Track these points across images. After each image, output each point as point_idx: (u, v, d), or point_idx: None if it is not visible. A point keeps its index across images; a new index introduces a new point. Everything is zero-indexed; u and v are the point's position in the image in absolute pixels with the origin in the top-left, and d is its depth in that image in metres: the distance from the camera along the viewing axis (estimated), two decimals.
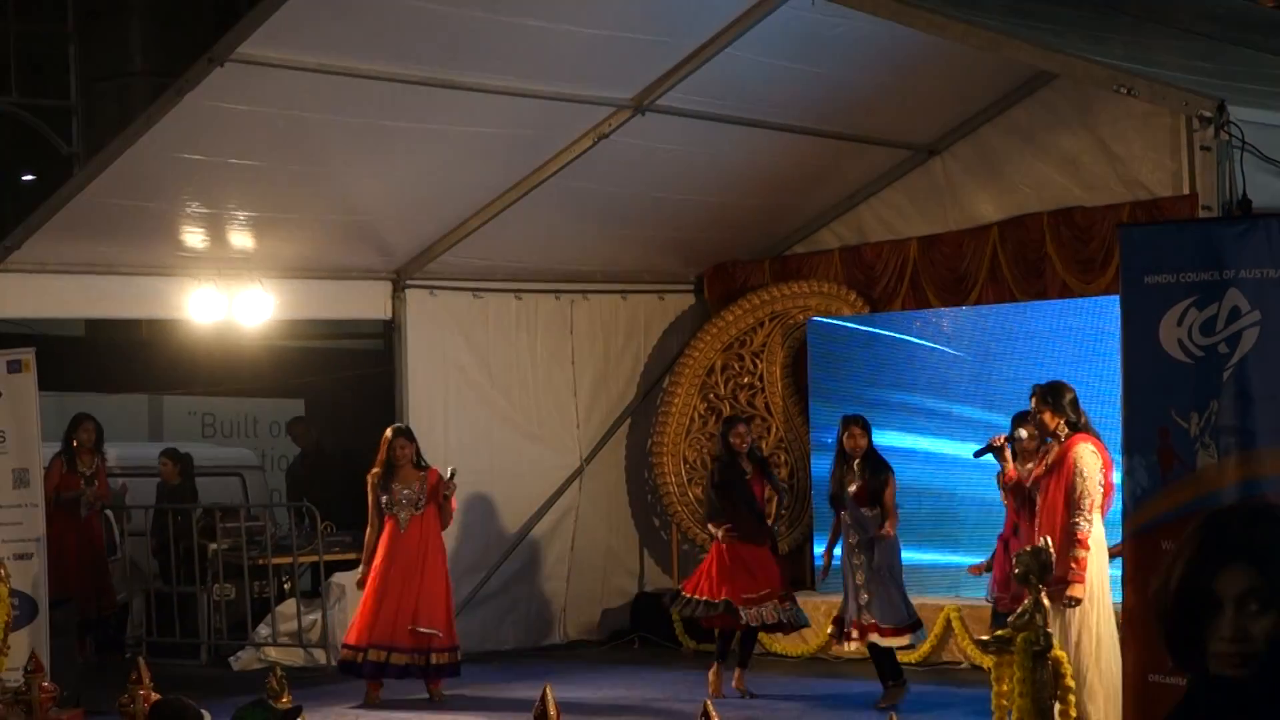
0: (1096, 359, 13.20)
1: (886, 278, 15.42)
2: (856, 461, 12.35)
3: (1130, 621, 8.32)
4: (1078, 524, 9.78)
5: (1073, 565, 9.61)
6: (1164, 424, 7.95)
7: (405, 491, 13.13)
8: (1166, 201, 13.26)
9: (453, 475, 13.19)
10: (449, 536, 15.23)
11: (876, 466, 12.35)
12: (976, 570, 11.82)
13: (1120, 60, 9.83)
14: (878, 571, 12.16)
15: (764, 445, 15.73)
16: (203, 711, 7.80)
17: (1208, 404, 7.82)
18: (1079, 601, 9.63)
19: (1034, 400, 10.37)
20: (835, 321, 15.47)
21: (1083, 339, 13.56)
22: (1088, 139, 14.04)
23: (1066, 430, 10.11)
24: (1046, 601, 7.77)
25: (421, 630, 12.98)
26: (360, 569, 13.37)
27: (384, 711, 12.73)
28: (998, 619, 10.48)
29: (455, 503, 13.46)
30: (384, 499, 13.14)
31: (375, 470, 13.25)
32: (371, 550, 13.22)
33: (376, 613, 13.00)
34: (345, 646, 13.23)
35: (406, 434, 13.40)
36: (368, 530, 13.31)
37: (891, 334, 15.01)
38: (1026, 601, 7.73)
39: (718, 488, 13.09)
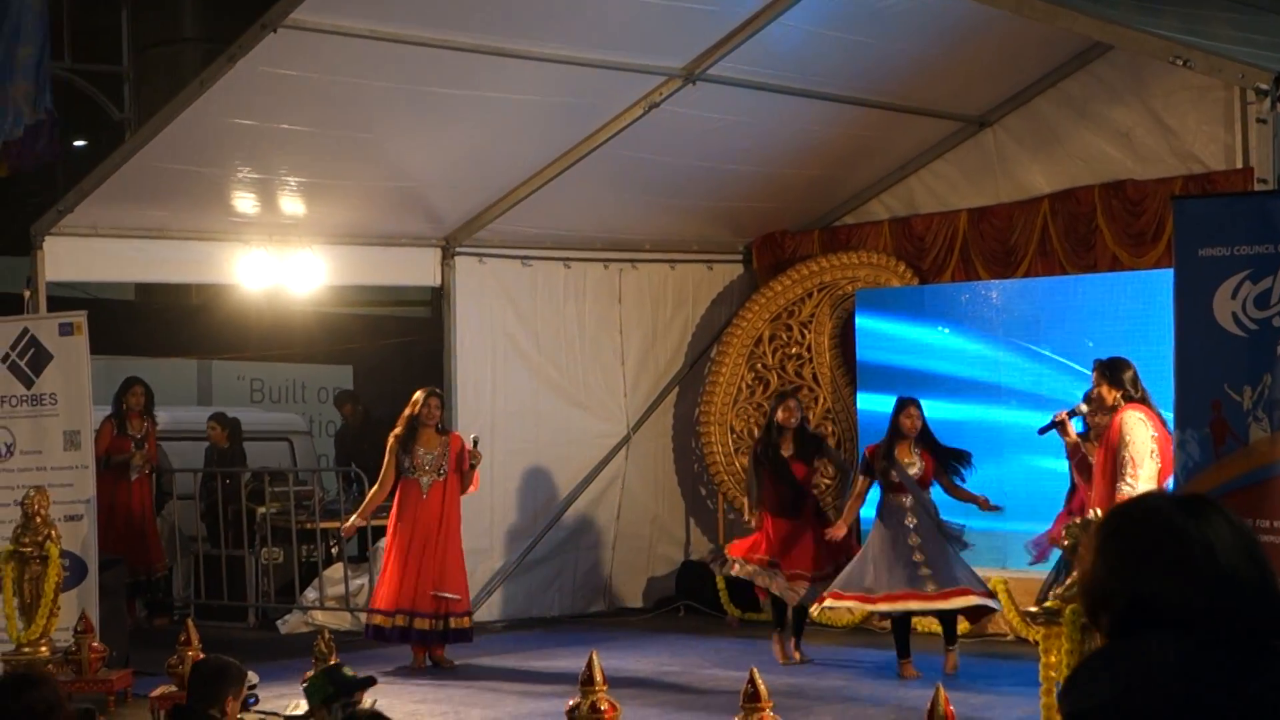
0: (1146, 333, 13.12)
1: (936, 249, 15.38)
2: (913, 442, 12.32)
3: None
4: (1119, 489, 9.76)
5: None
6: (1217, 397, 7.92)
7: (428, 456, 13.16)
8: (1219, 175, 13.20)
9: (476, 444, 13.21)
10: (496, 504, 15.34)
11: (937, 450, 12.33)
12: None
13: (1175, 32, 9.78)
14: (943, 541, 12.16)
15: (811, 416, 15.74)
16: (246, 670, 7.87)
17: (1261, 377, 7.79)
18: None
19: (1094, 374, 10.37)
20: (883, 292, 15.43)
21: (1133, 313, 13.50)
22: (1140, 111, 13.97)
23: (1123, 405, 10.10)
24: None
25: (443, 595, 13.04)
26: (353, 518, 13.40)
27: (436, 677, 12.78)
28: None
29: (478, 475, 13.46)
30: (405, 461, 13.17)
31: (397, 430, 13.27)
32: (372, 506, 13.28)
33: (401, 578, 13.06)
34: (374, 612, 13.28)
35: (439, 398, 13.42)
36: (375, 487, 13.36)
37: (940, 305, 14.95)
38: (1076, 572, 7.71)
39: (754, 461, 13.17)
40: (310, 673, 9.52)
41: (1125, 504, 3.07)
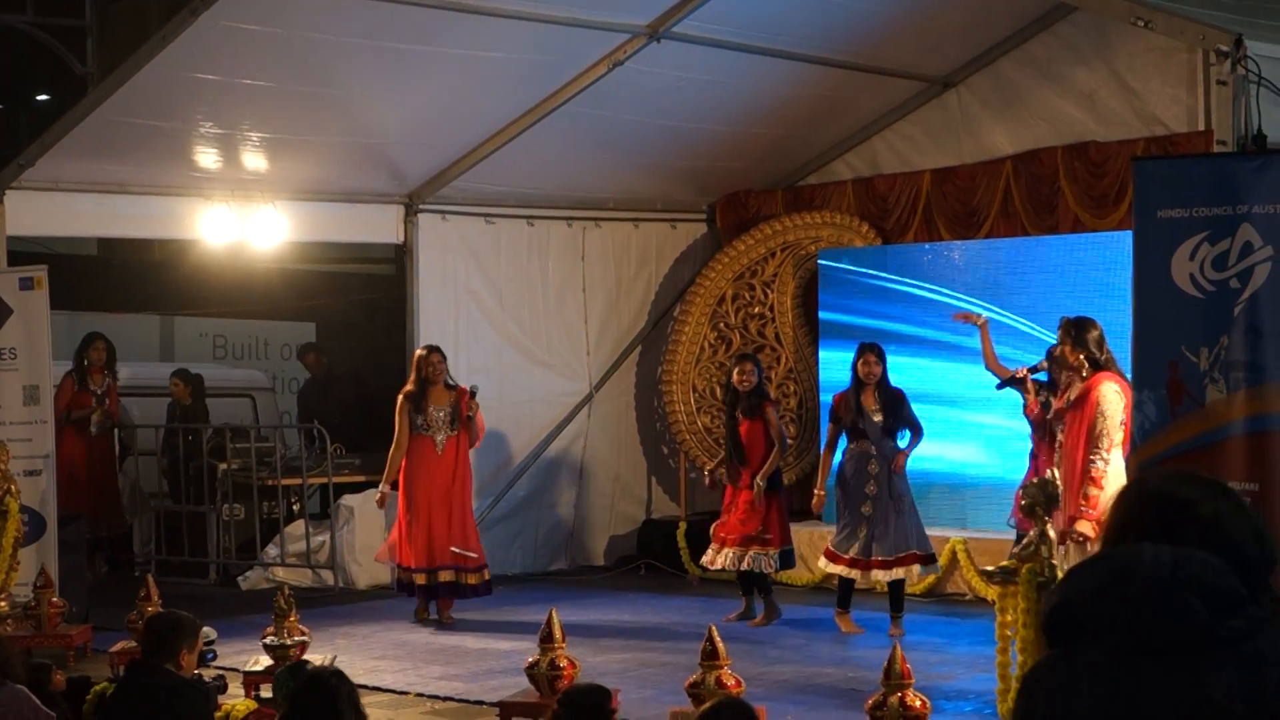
0: (1108, 294, 13.19)
1: (899, 210, 15.41)
2: (872, 389, 12.35)
3: None
4: (1094, 463, 9.79)
5: (1083, 503, 9.62)
6: (1174, 358, 7.96)
7: (440, 412, 13.15)
8: (1182, 137, 13.23)
9: (474, 393, 13.21)
10: None
11: (892, 396, 12.37)
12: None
13: None
14: (897, 501, 12.22)
15: (773, 375, 15.77)
16: (201, 624, 7.88)
17: (1218, 339, 7.83)
18: (1087, 538, 9.64)
19: (1059, 333, 10.37)
20: (847, 252, 15.45)
21: (1094, 274, 13.55)
22: (1104, 73, 13.99)
23: (1088, 366, 10.09)
24: (1052, 533, 7.78)
25: (458, 551, 13.08)
26: (382, 486, 13.32)
27: (397, 633, 12.80)
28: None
29: (482, 419, 13.44)
30: (419, 420, 13.14)
31: (408, 389, 13.24)
32: (395, 469, 13.23)
33: (424, 533, 13.06)
34: (402, 568, 13.27)
35: (440, 353, 13.37)
36: (393, 449, 13.29)
37: (902, 265, 14.98)
38: (1032, 532, 7.75)
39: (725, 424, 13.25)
40: (270, 629, 9.55)
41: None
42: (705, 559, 13.20)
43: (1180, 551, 2.89)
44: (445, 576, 13.14)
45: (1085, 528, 9.63)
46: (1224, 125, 8.33)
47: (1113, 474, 9.88)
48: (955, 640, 11.98)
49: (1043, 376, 11.14)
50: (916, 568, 12.36)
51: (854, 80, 14.67)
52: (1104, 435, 9.84)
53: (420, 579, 13.13)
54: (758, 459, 12.83)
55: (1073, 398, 10.16)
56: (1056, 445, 10.34)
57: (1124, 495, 3.14)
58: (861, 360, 12.39)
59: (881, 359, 12.40)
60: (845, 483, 12.42)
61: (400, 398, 13.25)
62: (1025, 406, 10.98)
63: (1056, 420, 10.39)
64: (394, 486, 13.23)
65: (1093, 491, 9.68)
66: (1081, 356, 10.13)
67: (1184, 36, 9.53)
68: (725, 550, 12.87)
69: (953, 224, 15.00)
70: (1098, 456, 9.81)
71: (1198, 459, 7.85)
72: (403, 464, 13.18)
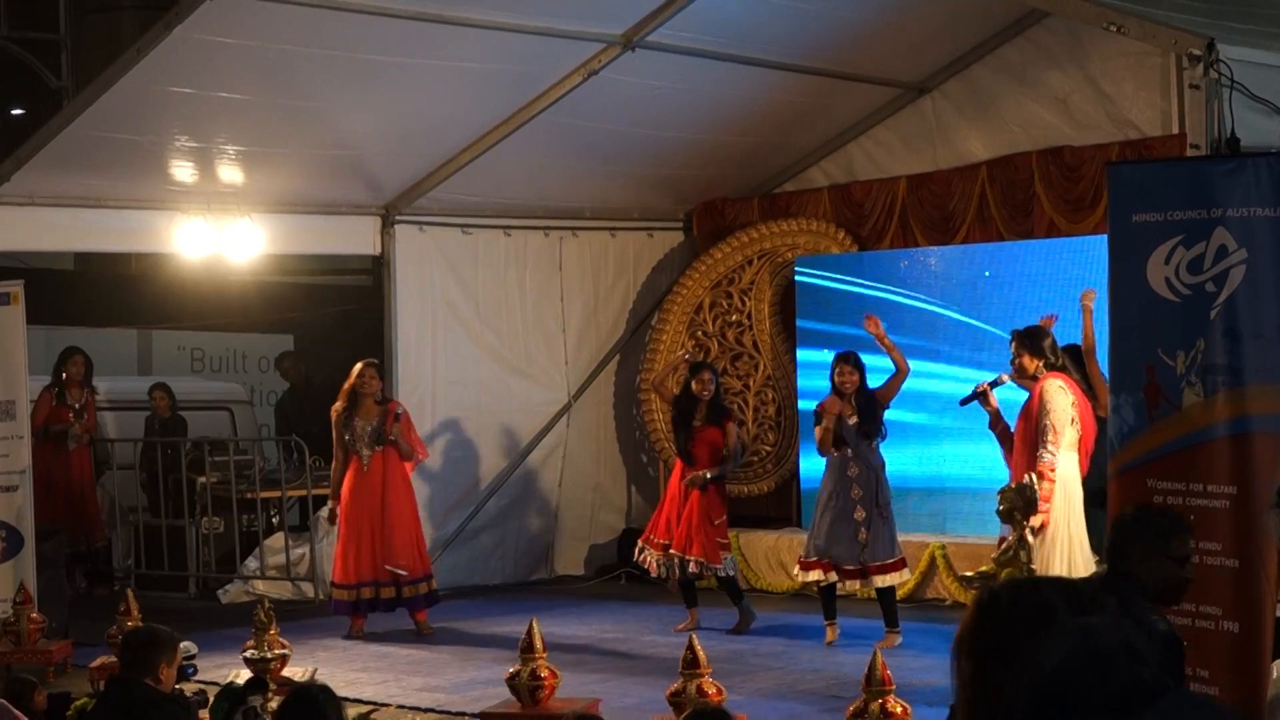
0: None
1: (875, 216, 15.43)
2: (852, 398, 12.36)
3: None
4: (1041, 456, 9.85)
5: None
6: (1150, 362, 7.96)
7: (367, 428, 13.14)
8: (1156, 141, 13.27)
9: (398, 415, 13.16)
10: (438, 473, 15.33)
11: (870, 401, 12.38)
12: None
13: None
14: (882, 509, 12.22)
15: (751, 382, 15.79)
16: (180, 638, 7.87)
17: (1194, 342, 7.83)
18: (1040, 530, 9.65)
19: (1013, 345, 10.41)
20: (823, 259, 15.47)
21: (1070, 278, 13.56)
22: (1078, 78, 14.02)
23: (1045, 373, 10.17)
24: (1031, 538, 7.81)
25: (393, 569, 13.08)
26: (329, 504, 13.40)
27: (375, 644, 12.80)
28: None
29: (417, 439, 13.43)
30: (346, 435, 13.16)
31: (338, 404, 13.26)
32: (338, 485, 13.26)
33: (353, 551, 13.08)
34: (335, 586, 13.29)
35: (376, 368, 13.39)
36: (334, 464, 13.34)
37: (879, 272, 15.00)
38: (1010, 537, 7.77)
39: (672, 424, 13.30)
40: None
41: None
42: (640, 558, 13.22)
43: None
44: (386, 593, 13.14)
45: (1036, 520, 9.66)
46: (1197, 129, 8.35)
47: (1063, 473, 9.93)
48: (936, 645, 11.99)
49: (1000, 392, 11.02)
50: (905, 572, 12.37)
51: (829, 87, 14.69)
52: (1049, 429, 9.90)
53: (365, 594, 13.11)
54: (707, 461, 12.95)
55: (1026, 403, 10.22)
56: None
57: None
58: (837, 370, 12.40)
59: (858, 367, 12.41)
60: (825, 488, 12.43)
61: (333, 412, 13.29)
62: (989, 421, 10.89)
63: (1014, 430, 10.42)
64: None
65: (1044, 485, 9.72)
66: (1040, 364, 10.18)
67: (1156, 41, 9.53)
68: (655, 554, 12.96)
69: (929, 230, 15.03)
70: (1044, 449, 9.87)
71: (1175, 463, 7.87)
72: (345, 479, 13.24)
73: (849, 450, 12.32)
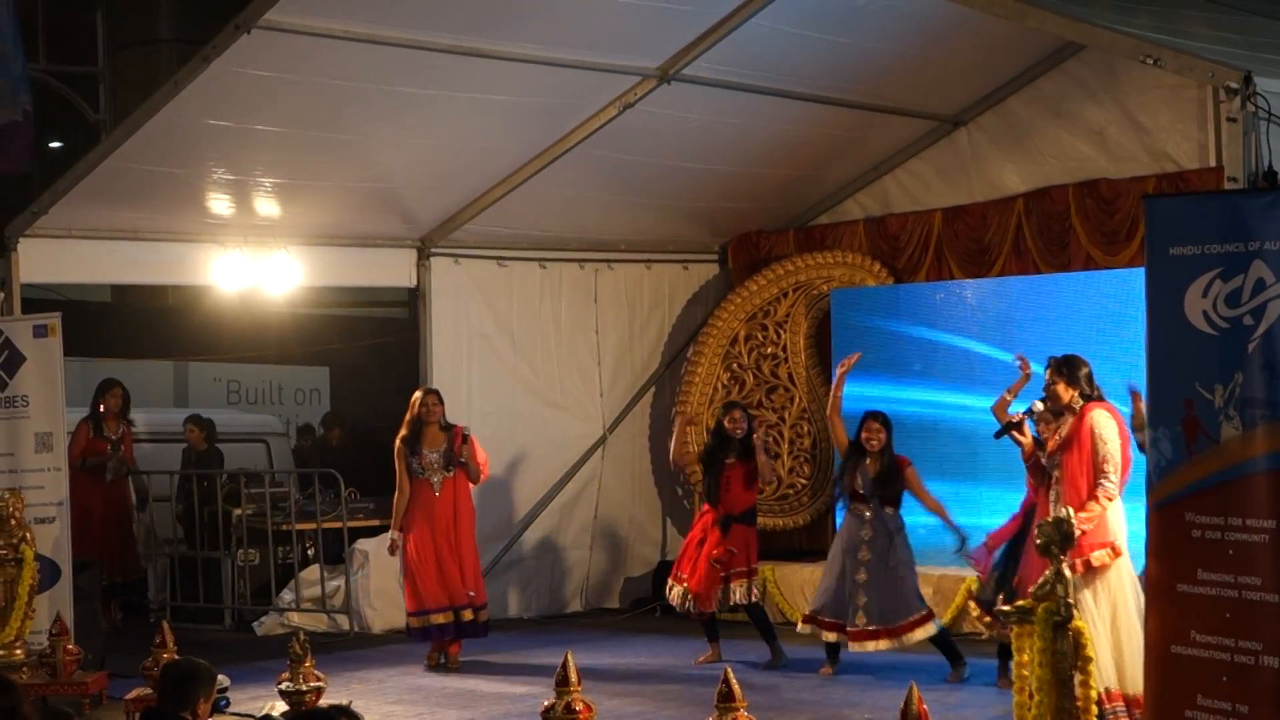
0: (1120, 332, 13.18)
1: (910, 249, 15.41)
2: (872, 458, 12.28)
3: (1153, 593, 8.31)
4: (1103, 484, 9.81)
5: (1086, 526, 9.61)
6: (1189, 395, 7.92)
7: (434, 455, 13.16)
8: (1193, 174, 13.24)
9: (466, 436, 13.20)
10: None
11: (894, 466, 12.29)
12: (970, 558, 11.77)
13: (1147, 31, 9.79)
14: (894, 569, 12.16)
15: (787, 415, 15.76)
16: (217, 673, 7.87)
17: (1232, 376, 7.79)
18: (1105, 565, 9.62)
19: (1049, 372, 10.32)
20: (859, 292, 15.44)
21: (1107, 312, 13.53)
22: (1114, 111, 14.00)
23: (1081, 403, 10.10)
24: (1068, 572, 7.76)
25: (469, 593, 13.12)
26: (392, 533, 13.36)
27: (409, 677, 12.78)
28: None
29: (482, 455, 13.42)
30: (414, 463, 13.17)
31: (403, 433, 13.26)
32: (400, 514, 13.25)
33: (432, 577, 13.08)
34: (412, 614, 13.26)
35: (437, 395, 13.41)
36: (396, 495, 13.33)
37: (915, 305, 14.97)
38: (1048, 572, 7.72)
39: (701, 463, 13.33)
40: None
41: None
42: (672, 597, 13.19)
43: None
44: (466, 615, 13.17)
45: (1101, 557, 9.63)
46: (1234, 162, 8.32)
47: (1115, 505, 9.89)
48: (972, 680, 11.94)
49: (1031, 425, 10.90)
50: (930, 625, 12.27)
51: (864, 120, 14.69)
52: (1108, 459, 9.84)
53: (439, 619, 13.12)
54: (734, 504, 12.97)
55: (1064, 433, 10.12)
56: (1054, 482, 10.25)
57: None
58: (864, 429, 12.31)
59: (886, 425, 12.32)
60: (840, 543, 12.40)
61: (397, 443, 13.27)
62: (1022, 451, 10.78)
63: (1052, 461, 10.30)
64: (403, 531, 13.25)
65: (1094, 508, 9.70)
66: (1075, 394, 10.12)
67: (1193, 73, 9.50)
68: (688, 590, 12.95)
69: (965, 262, 15.00)
70: (1105, 479, 9.82)
71: (1215, 496, 7.83)
72: (407, 507, 13.22)
73: (865, 510, 12.26)
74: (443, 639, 13.22)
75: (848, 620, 12.19)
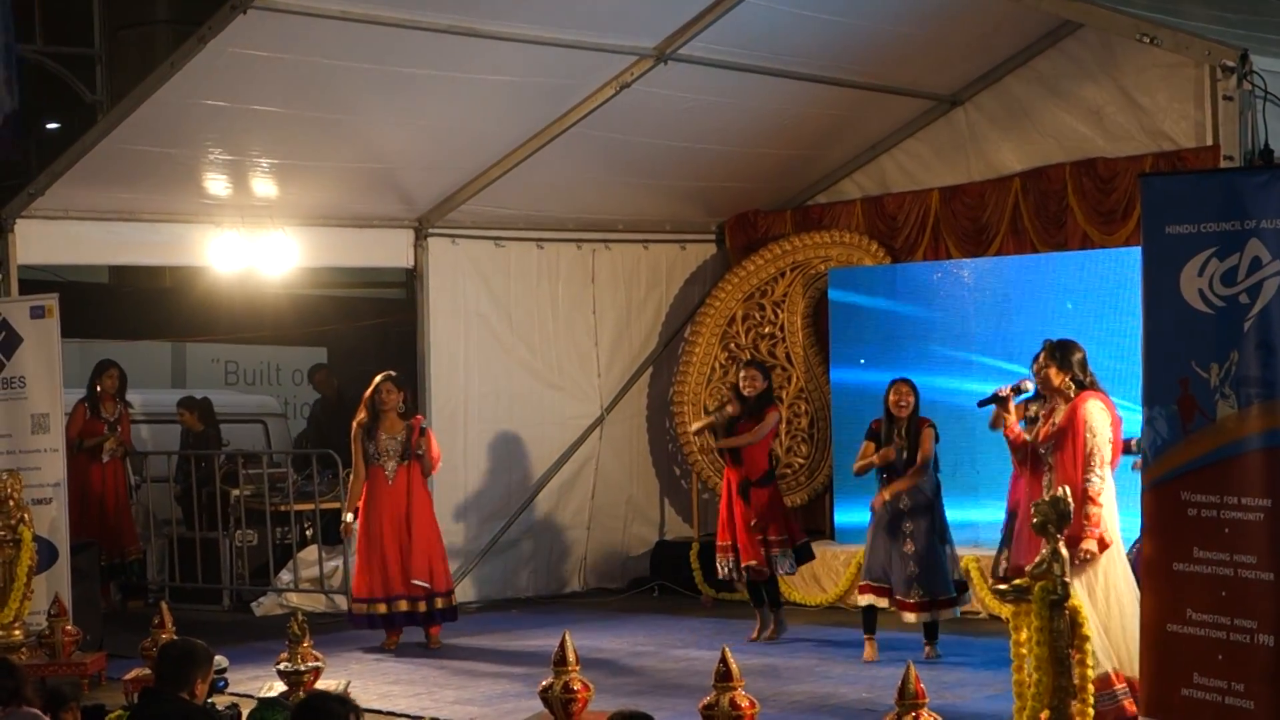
0: (1117, 310, 13.19)
1: (908, 228, 15.42)
2: (904, 425, 12.24)
3: (1148, 572, 8.33)
4: (1090, 481, 9.74)
5: (1085, 522, 9.57)
6: (1184, 374, 7.93)
7: (391, 441, 13.16)
8: (1189, 152, 13.24)
9: (423, 429, 13.24)
10: (470, 485, 15.37)
11: (916, 429, 12.23)
12: None
13: (1144, 10, 9.78)
14: (941, 534, 12.15)
15: (784, 394, 15.76)
16: (215, 653, 7.89)
17: (1228, 354, 7.80)
18: (1091, 555, 9.60)
19: (1043, 355, 10.23)
20: (856, 271, 15.45)
21: (1103, 290, 13.53)
22: (1111, 89, 14.00)
23: (1073, 388, 10.02)
24: (1064, 550, 7.77)
25: (417, 583, 13.09)
26: (346, 517, 13.38)
27: (407, 658, 12.80)
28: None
29: (437, 450, 13.42)
30: (370, 448, 13.18)
31: (360, 417, 13.27)
32: (355, 497, 13.28)
33: (377, 565, 13.10)
34: (355, 600, 13.32)
35: (395, 381, 13.38)
36: (352, 479, 13.38)
37: (912, 284, 14.97)
38: (1044, 550, 7.74)
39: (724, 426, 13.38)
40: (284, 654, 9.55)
41: None
42: (722, 574, 13.24)
43: None
44: (401, 606, 13.16)
45: (1090, 545, 9.60)
46: (1230, 140, 8.32)
47: (1107, 494, 9.87)
48: (970, 659, 11.96)
49: (1028, 395, 10.82)
50: (947, 611, 12.25)
51: (861, 99, 14.68)
52: (1095, 452, 9.79)
53: (380, 609, 13.14)
54: (749, 462, 13.02)
55: (1058, 421, 10.07)
56: (1046, 469, 10.18)
57: None
58: (893, 392, 12.23)
59: (915, 391, 12.24)
60: (878, 516, 12.33)
61: (355, 426, 13.28)
62: (1005, 428, 10.69)
63: (1045, 448, 10.24)
64: (356, 515, 13.28)
65: (1093, 510, 9.63)
66: (1067, 379, 10.02)
67: (1190, 52, 9.50)
68: (731, 560, 12.98)
69: (962, 242, 15.00)
70: (1092, 474, 9.76)
71: (1211, 475, 7.84)
72: (363, 492, 13.24)
73: (903, 481, 12.15)
74: (391, 628, 13.23)
75: (897, 590, 12.12)
